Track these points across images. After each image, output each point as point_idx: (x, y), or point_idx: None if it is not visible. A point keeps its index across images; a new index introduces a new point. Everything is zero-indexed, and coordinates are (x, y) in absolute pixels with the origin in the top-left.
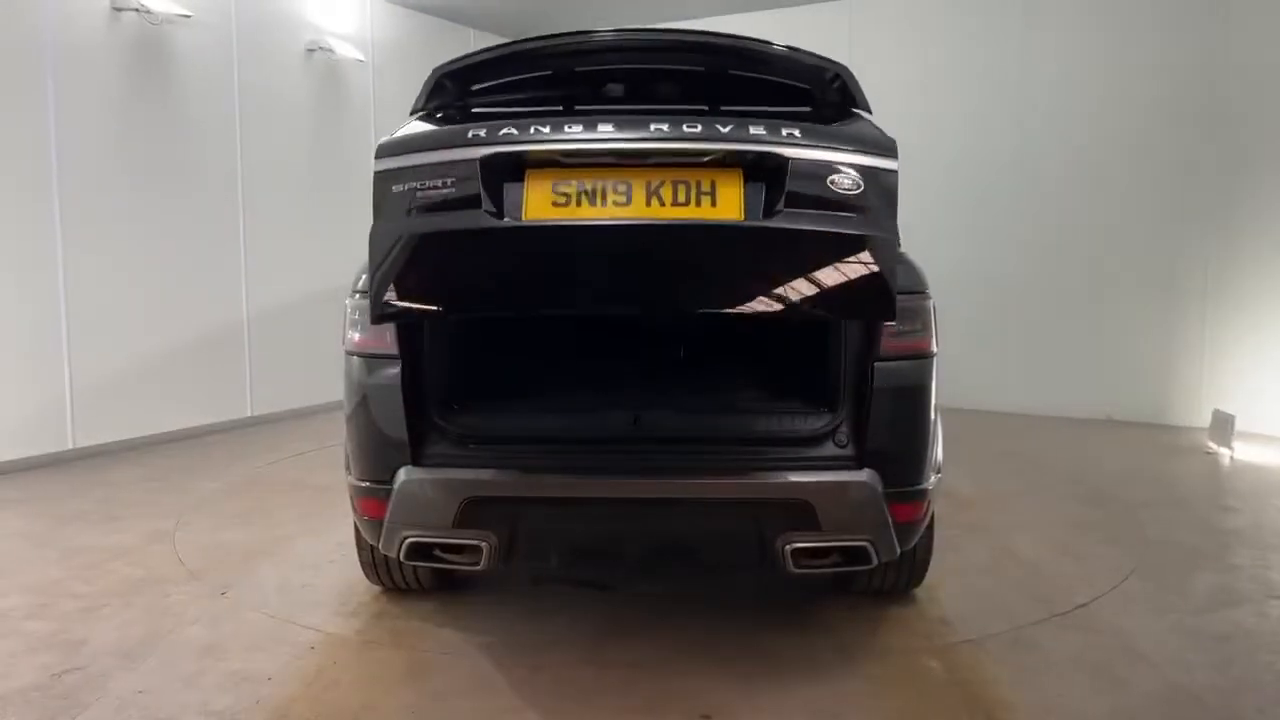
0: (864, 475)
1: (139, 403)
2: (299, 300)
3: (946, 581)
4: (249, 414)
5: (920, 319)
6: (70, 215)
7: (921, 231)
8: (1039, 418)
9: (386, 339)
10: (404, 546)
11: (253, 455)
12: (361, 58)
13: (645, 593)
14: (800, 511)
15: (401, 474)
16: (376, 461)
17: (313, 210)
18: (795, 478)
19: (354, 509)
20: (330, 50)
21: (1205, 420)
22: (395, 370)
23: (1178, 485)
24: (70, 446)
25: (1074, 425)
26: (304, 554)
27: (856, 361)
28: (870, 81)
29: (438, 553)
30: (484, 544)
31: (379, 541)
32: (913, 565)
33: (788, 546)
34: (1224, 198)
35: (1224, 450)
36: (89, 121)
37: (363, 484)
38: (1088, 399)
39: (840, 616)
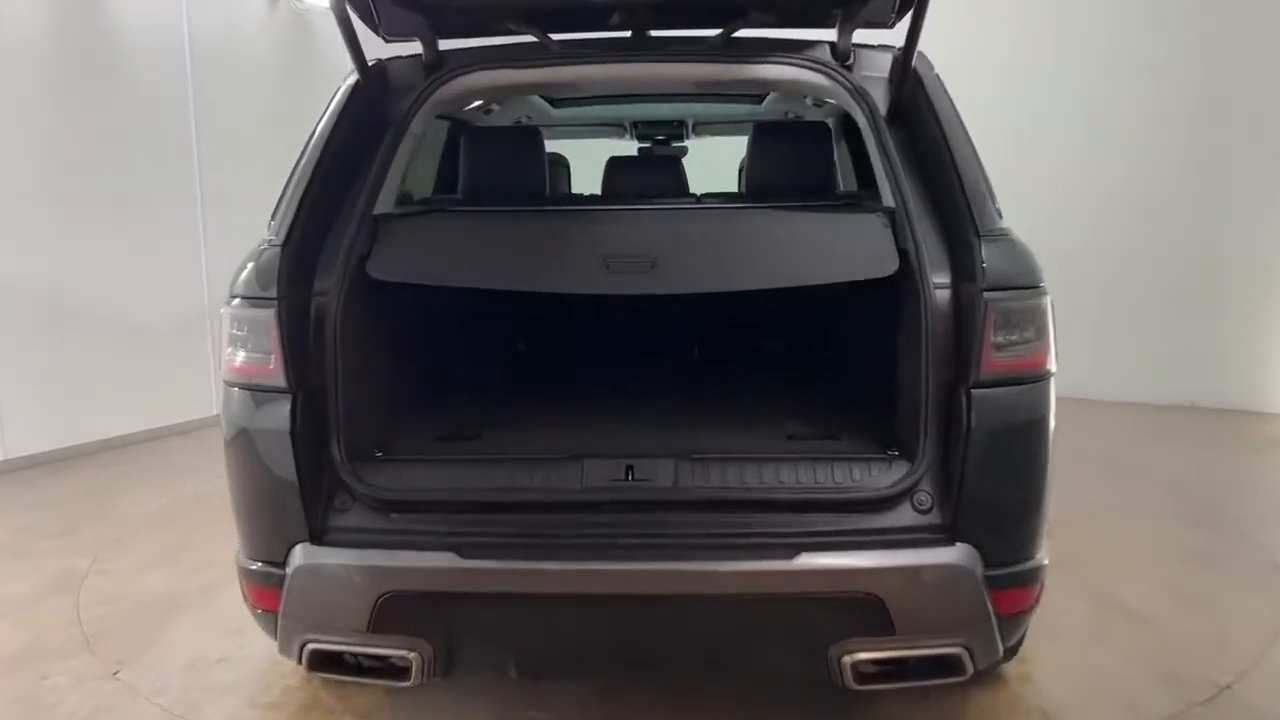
0: (957, 553)
1: (87, 405)
2: None
3: (1041, 650)
4: (215, 413)
5: (1034, 323)
6: None
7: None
8: (1115, 404)
9: (272, 364)
10: (305, 654)
11: (211, 464)
12: None
13: (647, 682)
14: (865, 609)
15: (298, 554)
16: (265, 536)
17: (281, 184)
18: (856, 560)
19: (243, 597)
20: None
21: None
22: (285, 409)
23: None
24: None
25: (1154, 412)
26: (231, 609)
27: (944, 386)
28: None
29: (352, 660)
30: (413, 654)
31: (276, 642)
32: None
33: (847, 658)
34: None
35: None
36: (14, 93)
37: (251, 565)
38: (1168, 384)
39: (905, 708)
